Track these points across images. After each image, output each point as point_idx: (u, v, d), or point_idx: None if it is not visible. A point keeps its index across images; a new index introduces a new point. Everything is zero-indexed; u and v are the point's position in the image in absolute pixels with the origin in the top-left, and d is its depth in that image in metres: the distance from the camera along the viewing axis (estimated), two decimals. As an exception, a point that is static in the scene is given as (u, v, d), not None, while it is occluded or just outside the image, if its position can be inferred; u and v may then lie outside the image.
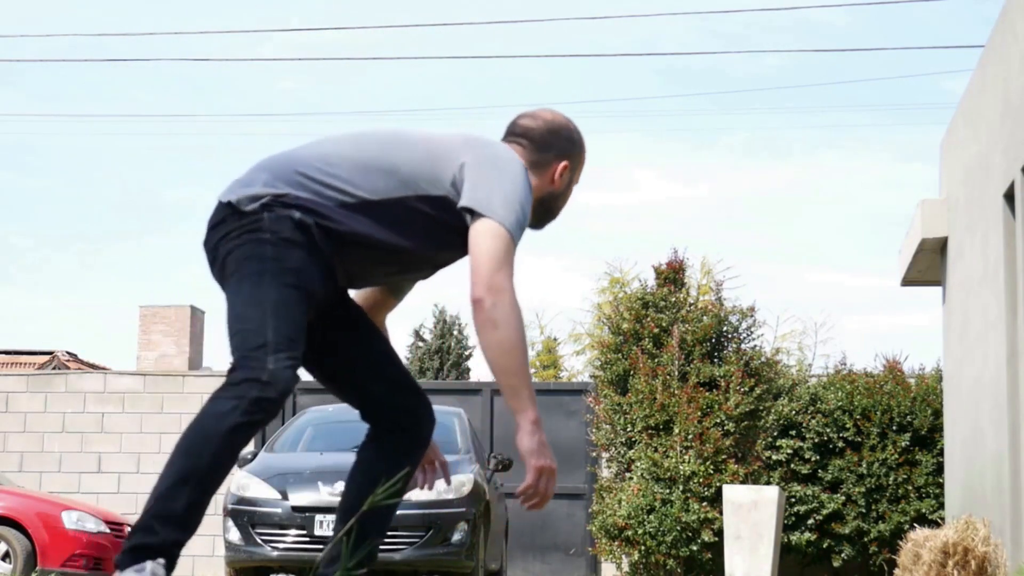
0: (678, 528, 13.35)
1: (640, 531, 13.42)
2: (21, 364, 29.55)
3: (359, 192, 3.64)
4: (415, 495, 10.09)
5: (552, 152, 3.98)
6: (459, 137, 3.78)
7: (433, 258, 3.85)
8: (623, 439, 14.30)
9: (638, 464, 13.79)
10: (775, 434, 14.46)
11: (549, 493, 3.54)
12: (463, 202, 3.62)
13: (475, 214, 3.61)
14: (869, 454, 14.31)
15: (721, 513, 12.97)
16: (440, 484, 10.19)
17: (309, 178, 3.64)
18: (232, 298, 3.58)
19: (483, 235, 3.58)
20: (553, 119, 4.01)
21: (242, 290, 3.56)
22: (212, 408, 3.46)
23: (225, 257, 3.60)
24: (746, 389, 13.90)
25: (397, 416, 3.86)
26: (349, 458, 12.44)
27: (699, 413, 13.77)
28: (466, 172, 3.66)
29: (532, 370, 34.62)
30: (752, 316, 14.53)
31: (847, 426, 14.47)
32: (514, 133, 3.99)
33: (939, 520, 13.29)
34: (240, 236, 3.58)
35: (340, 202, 3.63)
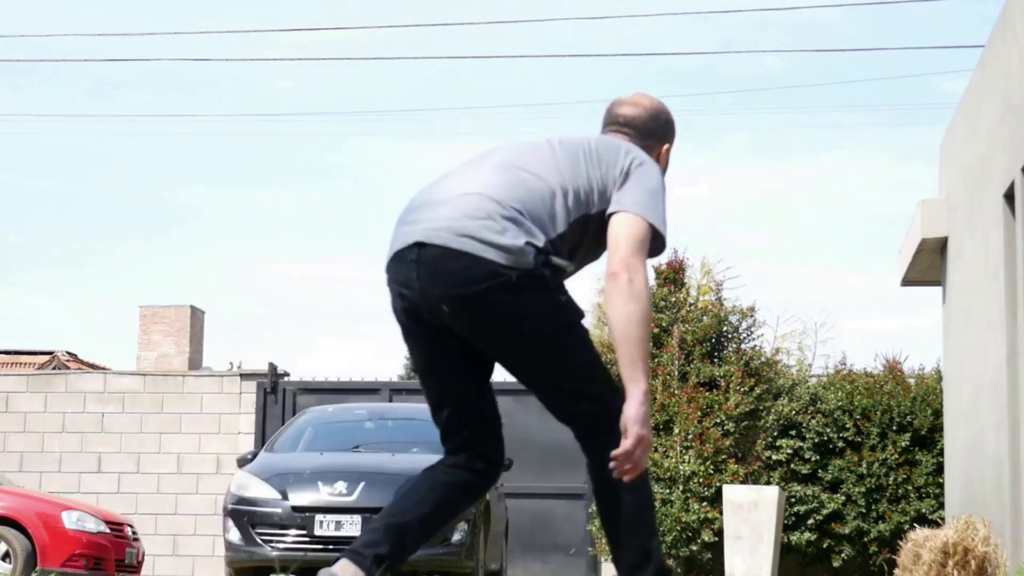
0: (678, 528, 13.35)
1: (640, 531, 13.42)
2: (21, 364, 29.54)
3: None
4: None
5: (655, 138, 4.08)
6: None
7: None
8: (623, 439, 14.31)
9: (638, 464, 13.79)
10: (775, 434, 14.46)
11: (642, 464, 3.65)
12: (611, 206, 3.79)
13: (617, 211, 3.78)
14: (869, 454, 14.31)
15: (721, 513, 12.98)
16: None
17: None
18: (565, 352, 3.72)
19: (625, 222, 3.73)
20: (652, 105, 4.10)
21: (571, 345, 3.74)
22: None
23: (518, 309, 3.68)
24: (746, 389, 13.90)
25: (479, 456, 3.92)
26: (349, 458, 12.40)
27: (699, 413, 13.77)
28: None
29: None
30: (752, 316, 14.53)
31: (847, 426, 14.47)
32: (617, 123, 4.07)
33: (939, 520, 13.29)
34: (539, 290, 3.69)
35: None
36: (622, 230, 3.71)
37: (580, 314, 3.76)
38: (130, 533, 12.84)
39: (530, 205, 3.70)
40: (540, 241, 3.66)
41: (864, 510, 14.21)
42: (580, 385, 3.75)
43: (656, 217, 3.77)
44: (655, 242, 3.78)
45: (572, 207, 3.76)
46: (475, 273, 3.60)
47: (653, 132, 4.08)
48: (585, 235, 3.81)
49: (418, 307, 3.71)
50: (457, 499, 3.89)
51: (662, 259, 15.16)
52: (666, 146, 4.10)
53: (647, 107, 4.09)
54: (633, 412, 3.61)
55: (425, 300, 3.68)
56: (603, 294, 3.87)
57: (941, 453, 13.95)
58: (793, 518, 14.25)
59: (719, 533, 13.16)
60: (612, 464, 3.63)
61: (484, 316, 3.64)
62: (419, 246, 3.67)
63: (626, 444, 3.61)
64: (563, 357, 3.71)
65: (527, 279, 3.62)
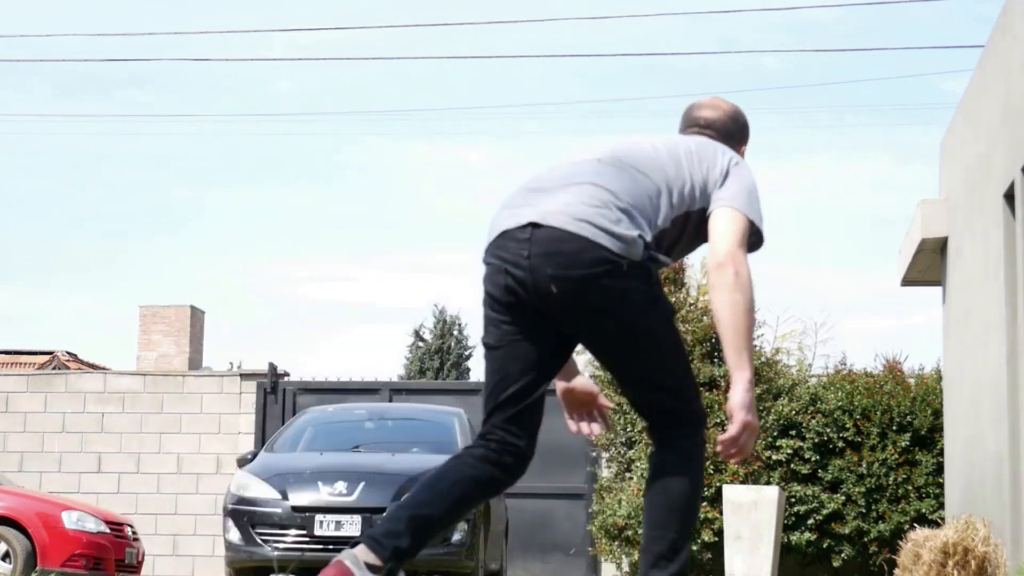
0: (678, 528, 13.35)
1: (640, 531, 13.43)
2: (21, 364, 29.54)
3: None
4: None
5: (735, 140, 4.25)
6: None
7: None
8: (623, 439, 14.31)
9: (638, 464, 13.79)
10: (775, 434, 14.46)
11: (747, 449, 3.79)
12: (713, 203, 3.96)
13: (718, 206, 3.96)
14: (869, 454, 14.31)
15: (721, 513, 12.97)
16: None
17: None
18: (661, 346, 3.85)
19: (727, 217, 3.90)
20: (730, 108, 4.30)
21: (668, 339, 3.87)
22: (696, 468, 3.89)
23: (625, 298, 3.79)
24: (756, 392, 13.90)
25: (511, 449, 3.99)
26: (349, 458, 12.41)
27: (699, 413, 13.76)
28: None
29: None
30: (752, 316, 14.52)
31: (847, 426, 14.46)
32: (698, 125, 4.24)
33: (939, 520, 13.29)
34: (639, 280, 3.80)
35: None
36: (725, 224, 3.88)
37: (674, 312, 3.91)
38: (130, 533, 12.84)
39: (639, 200, 3.84)
40: (648, 235, 3.80)
41: (864, 510, 14.21)
42: (667, 380, 3.88)
43: (754, 213, 3.94)
44: (753, 237, 3.94)
45: (675, 204, 3.92)
46: (588, 257, 3.71)
47: (732, 134, 4.25)
48: (684, 231, 3.97)
49: (523, 284, 3.76)
50: (479, 495, 3.95)
51: (662, 259, 15.16)
52: (743, 148, 4.29)
53: (726, 110, 4.27)
54: (739, 399, 3.78)
55: (534, 278, 3.74)
56: (709, 287, 3.91)
57: (941, 453, 13.95)
58: (793, 518, 14.24)
59: (719, 533, 13.16)
60: (718, 449, 3.80)
61: (592, 299, 3.73)
62: (533, 226, 3.76)
63: (732, 430, 3.77)
64: (657, 350, 3.84)
65: (636, 269, 3.75)
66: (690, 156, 3.98)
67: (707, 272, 3.97)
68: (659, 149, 3.97)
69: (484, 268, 3.88)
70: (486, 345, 3.94)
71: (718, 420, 13.74)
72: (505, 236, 3.80)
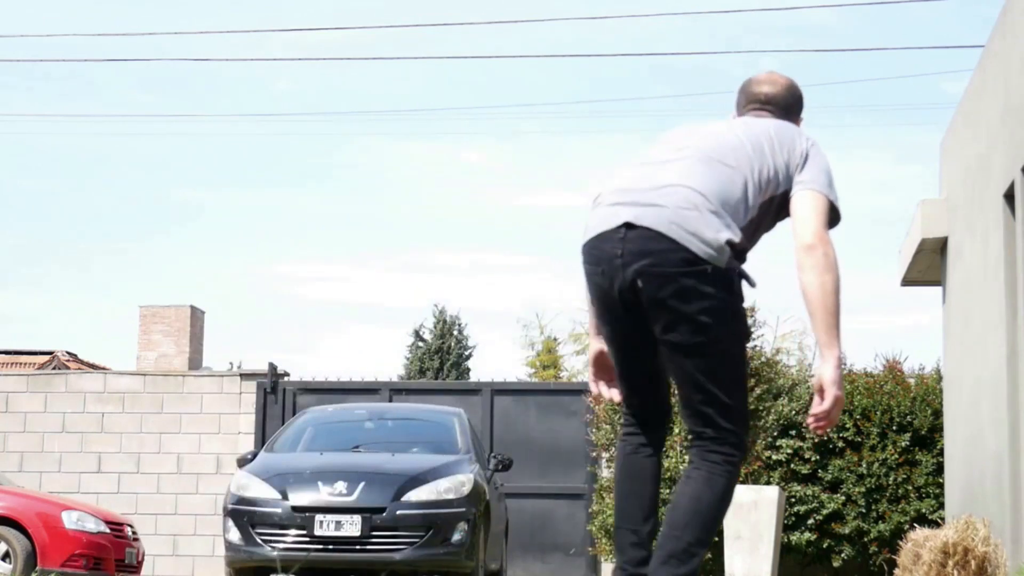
0: (678, 528, 13.35)
1: (640, 531, 13.42)
2: (21, 364, 29.55)
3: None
4: (414, 495, 10.09)
5: (794, 112, 4.44)
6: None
7: None
8: (623, 439, 14.30)
9: (638, 464, 13.79)
10: (775, 434, 14.46)
11: (835, 420, 3.97)
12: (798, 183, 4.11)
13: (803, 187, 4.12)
14: (869, 454, 14.31)
15: (721, 513, 12.97)
16: (443, 483, 10.19)
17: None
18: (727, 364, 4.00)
19: (811, 199, 4.05)
20: (787, 82, 4.47)
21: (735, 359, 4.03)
22: (726, 488, 4.02)
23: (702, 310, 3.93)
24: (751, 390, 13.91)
25: (661, 425, 4.26)
26: (349, 458, 12.40)
27: (699, 413, 13.76)
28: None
29: (531, 370, 34.65)
30: (752, 316, 14.52)
31: (847, 426, 14.47)
32: (759, 101, 4.40)
33: (939, 520, 13.29)
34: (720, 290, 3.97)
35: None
36: (810, 207, 4.03)
37: (749, 333, 3.93)
38: (130, 533, 12.84)
39: (728, 197, 3.96)
40: (736, 236, 3.92)
41: (864, 510, 14.21)
42: (722, 396, 3.99)
43: (833, 194, 4.10)
44: (832, 216, 4.09)
45: (761, 190, 4.05)
46: (676, 257, 3.86)
47: (791, 107, 4.43)
48: (767, 215, 4.10)
49: (614, 281, 3.93)
50: (659, 475, 4.24)
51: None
52: (800, 118, 4.45)
53: (784, 84, 4.44)
54: (830, 375, 3.92)
55: (623, 274, 3.91)
56: (797, 267, 4.03)
57: (941, 453, 13.95)
58: (793, 518, 14.25)
59: (719, 533, 13.16)
60: (809, 421, 3.97)
61: (673, 299, 3.87)
62: (627, 226, 3.92)
63: (825, 404, 3.93)
64: (723, 363, 3.97)
65: (720, 276, 3.89)
66: (771, 142, 4.11)
67: (795, 252, 4.02)
68: (742, 139, 4.09)
69: (583, 268, 4.08)
70: (605, 337, 4.15)
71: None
72: (601, 238, 3.97)
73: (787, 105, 4.42)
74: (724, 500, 4.00)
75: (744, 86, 4.46)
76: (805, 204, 4.03)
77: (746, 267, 4.02)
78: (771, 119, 4.29)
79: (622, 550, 4.13)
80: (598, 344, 4.31)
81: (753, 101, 4.40)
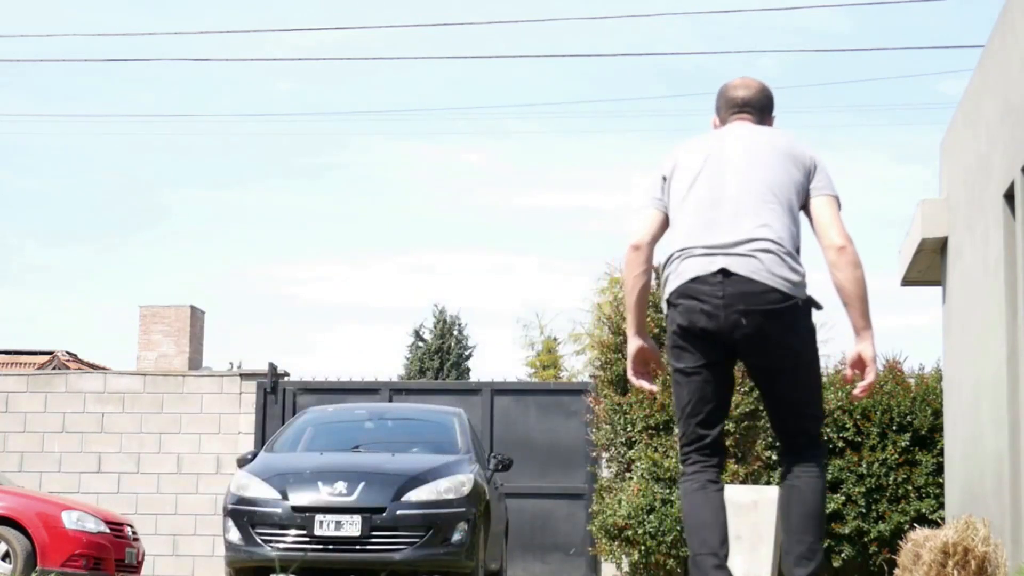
0: (678, 528, 13.34)
1: (640, 531, 13.42)
2: (21, 364, 29.54)
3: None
4: (414, 495, 10.09)
5: (767, 112, 5.01)
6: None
7: None
8: (623, 439, 14.30)
9: (638, 464, 13.79)
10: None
11: (872, 389, 4.94)
12: (818, 189, 4.81)
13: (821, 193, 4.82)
14: (869, 454, 14.30)
15: (721, 513, 12.96)
16: (443, 483, 10.19)
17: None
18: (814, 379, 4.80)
19: (830, 203, 4.77)
20: (760, 84, 5.02)
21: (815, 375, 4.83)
22: (824, 486, 4.78)
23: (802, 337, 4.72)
24: (746, 389, 13.89)
25: (719, 451, 4.92)
26: (349, 458, 12.40)
27: (699, 413, 13.74)
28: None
29: (531, 370, 34.67)
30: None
31: (847, 426, 14.46)
32: (738, 106, 4.95)
33: (939, 520, 13.29)
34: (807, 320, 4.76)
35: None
36: (832, 211, 4.75)
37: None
38: (130, 533, 12.84)
39: (791, 234, 4.70)
40: (803, 268, 4.69)
41: (864, 510, 14.20)
42: (812, 408, 4.80)
43: (838, 192, 4.81)
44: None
45: (799, 208, 4.78)
46: (770, 297, 4.60)
47: (766, 107, 5.00)
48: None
49: (717, 319, 4.61)
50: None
51: (661, 259, 15.17)
52: (773, 116, 5.02)
53: (757, 87, 5.00)
54: (871, 352, 4.72)
55: (726, 313, 4.60)
56: (831, 267, 4.73)
57: (941, 453, 13.94)
58: (793, 518, 14.23)
59: (719, 533, 13.14)
60: (857, 392, 4.75)
61: (772, 331, 4.61)
62: (723, 272, 4.61)
63: (870, 377, 4.74)
64: (811, 380, 4.77)
65: (803, 307, 4.67)
66: (792, 158, 4.76)
67: (826, 253, 4.74)
68: (775, 161, 4.73)
69: (674, 306, 4.72)
70: (681, 370, 4.74)
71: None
72: (699, 280, 4.64)
73: (762, 106, 4.97)
74: (825, 496, 4.73)
75: (722, 92, 4.99)
76: (826, 209, 4.73)
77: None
78: (769, 131, 4.88)
79: (706, 573, 4.65)
80: (639, 341, 4.88)
81: (732, 106, 4.94)
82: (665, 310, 4.82)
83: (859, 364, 4.73)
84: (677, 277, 4.71)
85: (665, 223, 4.88)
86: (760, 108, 4.95)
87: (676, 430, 13.62)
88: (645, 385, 4.94)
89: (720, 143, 4.83)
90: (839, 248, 4.66)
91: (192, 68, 67.29)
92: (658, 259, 5.18)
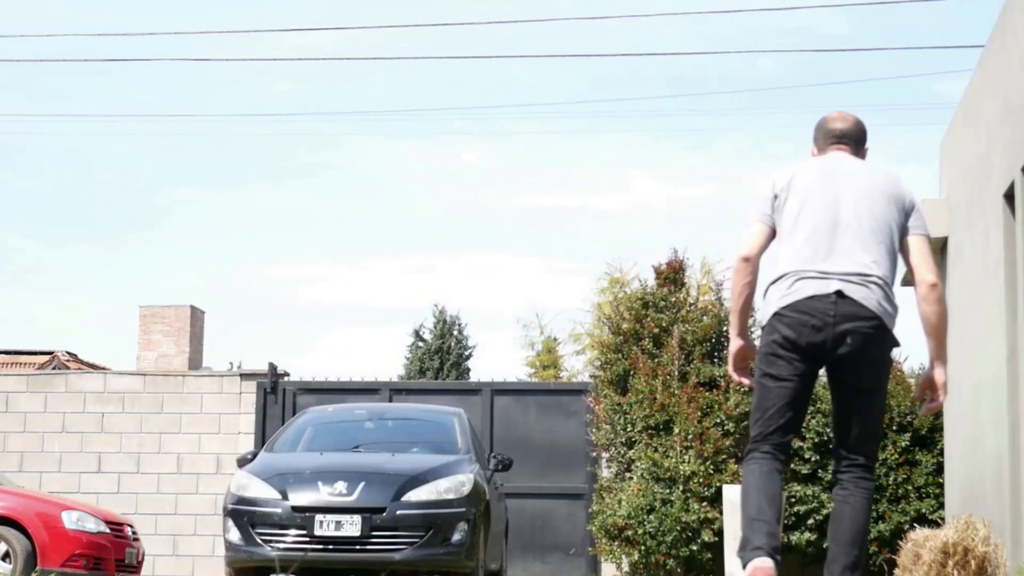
0: (678, 528, 13.35)
1: (640, 531, 13.42)
2: (21, 364, 29.54)
3: None
4: (414, 495, 10.09)
5: (862, 144, 5.53)
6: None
7: None
8: (623, 439, 14.30)
9: (638, 464, 13.79)
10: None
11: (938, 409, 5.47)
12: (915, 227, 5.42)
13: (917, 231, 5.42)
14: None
15: (721, 513, 12.97)
16: (443, 483, 10.20)
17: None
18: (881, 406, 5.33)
19: (925, 242, 5.40)
20: (856, 118, 5.53)
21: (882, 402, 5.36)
22: (871, 503, 5.27)
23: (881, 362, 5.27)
24: (746, 389, 13.90)
25: (789, 450, 5.47)
26: (349, 458, 12.37)
27: (699, 413, 13.76)
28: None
29: (531, 370, 34.64)
30: (752, 316, 14.52)
31: (847, 426, 14.45)
32: (835, 136, 5.47)
33: (939, 520, 13.29)
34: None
35: None
36: (925, 249, 5.37)
37: None
38: (130, 533, 12.84)
39: (892, 273, 5.29)
40: (897, 301, 5.24)
41: (864, 510, 14.20)
42: (877, 432, 5.31)
43: (930, 231, 5.39)
44: None
45: (897, 247, 5.35)
46: (874, 323, 5.17)
47: (860, 140, 5.51)
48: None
49: (824, 334, 5.14)
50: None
51: (662, 259, 15.20)
52: (866, 148, 5.53)
53: (854, 120, 5.51)
54: (943, 378, 5.37)
55: (834, 331, 5.13)
56: (922, 300, 5.40)
57: (941, 453, 13.94)
58: (793, 518, 14.24)
59: (719, 533, 13.16)
60: (924, 411, 5.48)
61: (868, 352, 5.15)
62: (839, 294, 5.15)
63: (941, 398, 5.39)
64: (881, 407, 5.31)
65: (894, 340, 5.25)
66: (896, 200, 5.29)
67: (919, 287, 5.37)
68: (883, 207, 5.25)
69: (782, 317, 5.19)
70: (775, 376, 5.21)
71: (718, 420, 13.74)
72: (814, 299, 5.14)
73: (858, 138, 5.49)
74: (869, 515, 5.21)
75: (820, 124, 5.51)
76: (921, 247, 5.35)
77: None
78: (875, 170, 5.35)
79: (759, 536, 5.06)
80: (741, 341, 5.42)
81: (834, 138, 5.46)
82: (763, 321, 5.31)
83: (931, 386, 5.38)
84: (792, 294, 5.19)
85: (771, 237, 5.33)
86: (856, 140, 5.46)
87: (676, 430, 13.64)
88: (745, 380, 5.50)
89: (832, 175, 5.30)
90: (931, 284, 5.30)
91: (191, 68, 67.32)
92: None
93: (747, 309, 5.39)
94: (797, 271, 5.18)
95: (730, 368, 5.52)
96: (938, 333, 5.32)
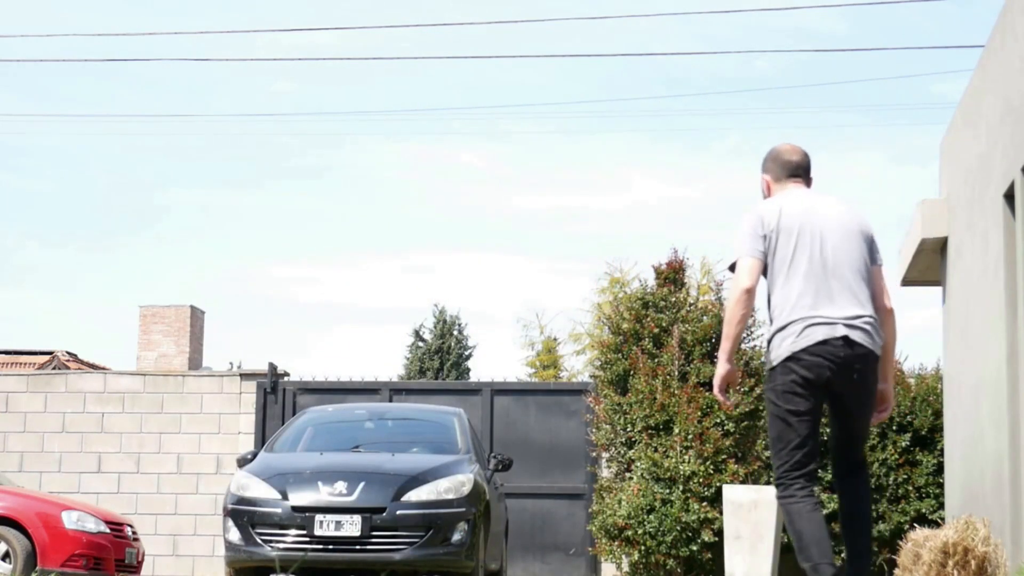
0: (678, 528, 13.35)
1: (640, 531, 13.42)
2: (21, 364, 29.54)
3: None
4: (414, 495, 10.09)
5: (809, 172, 6.23)
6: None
7: None
8: (623, 439, 14.30)
9: (638, 464, 13.79)
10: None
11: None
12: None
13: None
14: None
15: (721, 513, 12.98)
16: (443, 483, 10.20)
17: None
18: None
19: (882, 273, 6.15)
20: (803, 149, 6.21)
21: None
22: (870, 485, 6.23)
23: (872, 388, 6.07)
24: (746, 389, 13.90)
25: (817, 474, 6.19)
26: (349, 458, 12.38)
27: (699, 413, 13.76)
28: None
29: (531, 370, 34.67)
30: (752, 316, 14.52)
31: (847, 426, 14.45)
32: (795, 172, 6.16)
33: (939, 520, 13.29)
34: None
35: None
36: (883, 278, 6.12)
37: None
38: (130, 533, 12.84)
39: (871, 296, 6.01)
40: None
41: (864, 510, 14.20)
42: (867, 438, 6.24)
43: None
44: None
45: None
46: (872, 357, 5.96)
47: (810, 169, 6.20)
48: None
49: (835, 371, 5.86)
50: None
51: (662, 259, 15.21)
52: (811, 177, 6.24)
53: (803, 152, 6.19)
54: (891, 391, 6.20)
55: (846, 365, 5.87)
56: (883, 325, 6.11)
57: (941, 453, 13.94)
58: (793, 518, 14.22)
59: (719, 533, 13.16)
60: (874, 420, 6.12)
61: (867, 381, 5.95)
62: (845, 339, 5.86)
63: (891, 404, 6.22)
64: (871, 419, 6.10)
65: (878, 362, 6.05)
66: (863, 236, 6.02)
67: (880, 312, 6.06)
68: (857, 244, 5.99)
69: (798, 360, 5.86)
70: (794, 411, 5.89)
71: (718, 420, 13.74)
72: (826, 343, 5.85)
73: (808, 169, 6.18)
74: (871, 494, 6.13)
75: (776, 156, 6.18)
76: (881, 277, 6.10)
77: None
78: (843, 206, 6.03)
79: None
80: (730, 367, 6.04)
81: (793, 173, 6.15)
82: (775, 363, 5.93)
83: (883, 399, 6.15)
84: (804, 339, 5.88)
85: (764, 270, 5.98)
86: (807, 170, 6.17)
87: (676, 430, 13.62)
88: (728, 403, 6.31)
89: (810, 214, 5.97)
90: (890, 310, 6.12)
91: (191, 68, 67.32)
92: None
93: (739, 335, 6.04)
94: (805, 318, 5.91)
95: (716, 391, 6.12)
96: (891, 352, 6.16)
